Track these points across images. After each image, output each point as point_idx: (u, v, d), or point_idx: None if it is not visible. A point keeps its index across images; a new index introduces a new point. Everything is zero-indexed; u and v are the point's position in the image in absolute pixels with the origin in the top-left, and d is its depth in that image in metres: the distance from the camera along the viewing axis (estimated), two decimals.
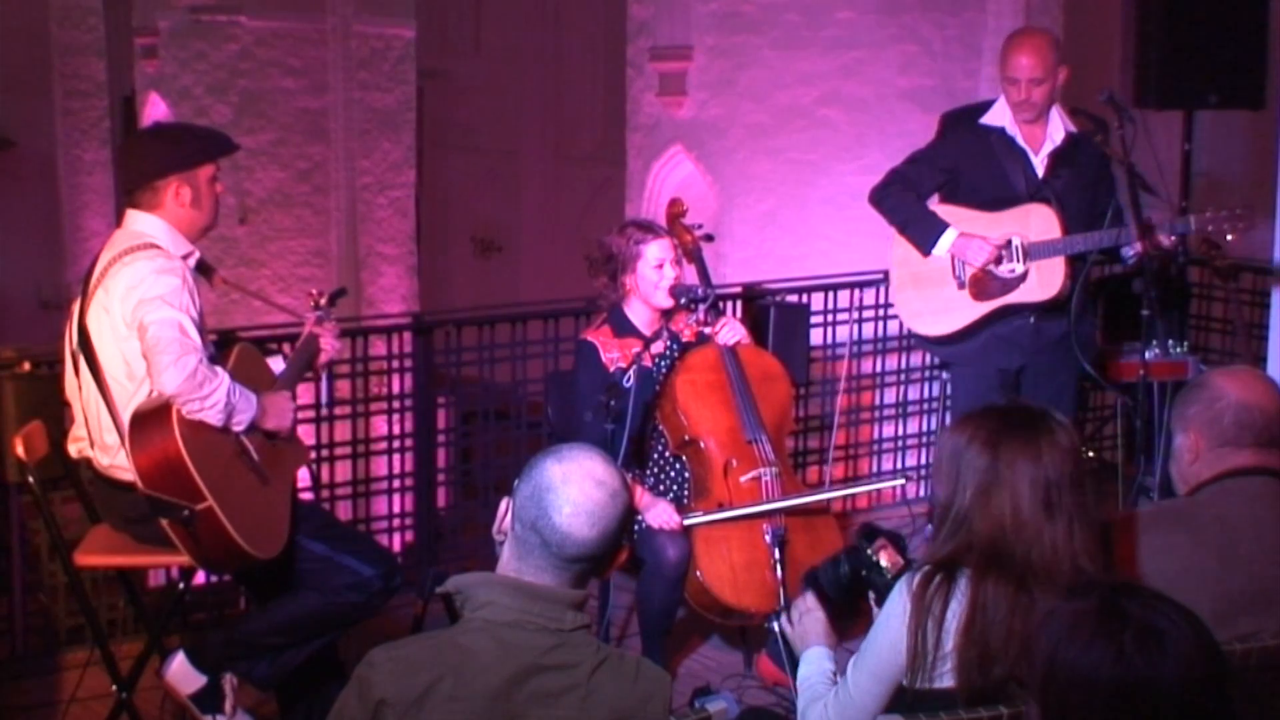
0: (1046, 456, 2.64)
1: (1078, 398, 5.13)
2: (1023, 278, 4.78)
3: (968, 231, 4.77)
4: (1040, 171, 4.80)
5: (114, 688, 4.00)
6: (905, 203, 4.89)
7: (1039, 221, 4.75)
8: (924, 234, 4.84)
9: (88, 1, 11.11)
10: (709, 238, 4.80)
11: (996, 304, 4.82)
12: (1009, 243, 4.76)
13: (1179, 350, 5.75)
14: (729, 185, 7.09)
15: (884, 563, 2.91)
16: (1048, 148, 4.81)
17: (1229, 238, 4.72)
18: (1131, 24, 7.06)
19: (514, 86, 12.52)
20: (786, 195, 7.14)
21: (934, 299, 4.90)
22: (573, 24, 12.25)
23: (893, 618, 2.69)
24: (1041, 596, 2.58)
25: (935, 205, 4.94)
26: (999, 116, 4.85)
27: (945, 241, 4.80)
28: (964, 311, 4.87)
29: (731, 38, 7.05)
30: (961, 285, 4.85)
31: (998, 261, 4.76)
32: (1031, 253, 4.75)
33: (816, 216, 7.16)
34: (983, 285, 4.81)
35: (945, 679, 2.62)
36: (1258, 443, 2.91)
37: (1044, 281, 4.75)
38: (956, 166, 4.91)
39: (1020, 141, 4.81)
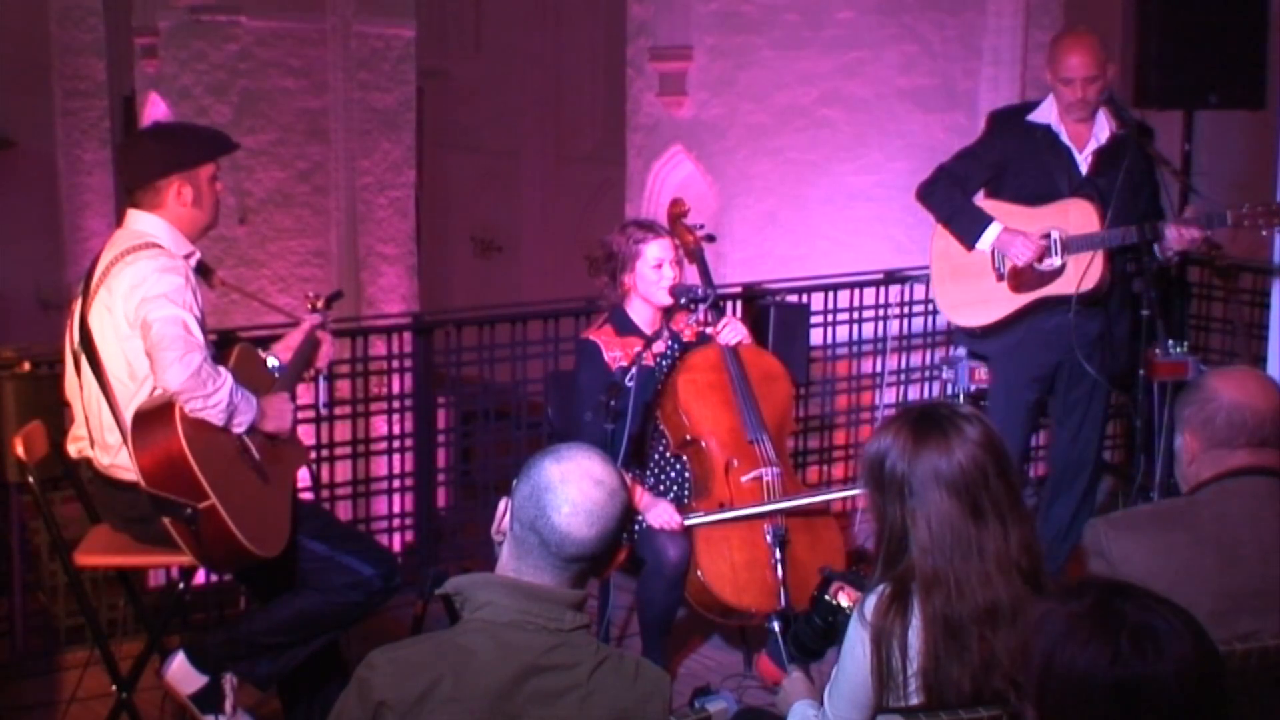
0: (960, 454, 2.60)
1: (1109, 398, 5.15)
2: (1060, 271, 4.82)
3: (1012, 228, 4.81)
4: (1084, 169, 4.85)
5: (114, 688, 4.00)
6: (950, 197, 4.95)
7: (1078, 216, 4.80)
8: (968, 228, 4.89)
9: (88, 1, 11.10)
10: (711, 238, 4.81)
11: (1034, 296, 4.87)
12: (1048, 235, 4.80)
13: (1179, 350, 5.75)
14: (729, 185, 7.09)
15: (844, 603, 2.93)
16: (1092, 145, 4.85)
17: (1264, 233, 4.74)
18: (1131, 24, 7.05)
19: (514, 86, 12.51)
20: (786, 195, 7.14)
21: (973, 291, 4.95)
22: (573, 24, 12.25)
23: (855, 645, 2.66)
24: (989, 607, 2.56)
25: (979, 200, 4.99)
26: (1045, 114, 4.90)
27: (989, 236, 4.84)
28: (1002, 303, 4.92)
29: (731, 38, 7.05)
30: (1001, 277, 4.89)
31: (1039, 256, 4.79)
32: (1070, 246, 4.79)
33: (816, 216, 7.16)
34: (1022, 277, 4.86)
35: (916, 696, 2.60)
36: (1251, 443, 2.91)
37: (1082, 275, 4.78)
38: (1002, 162, 4.96)
39: (1065, 139, 4.85)
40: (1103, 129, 4.85)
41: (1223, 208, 4.80)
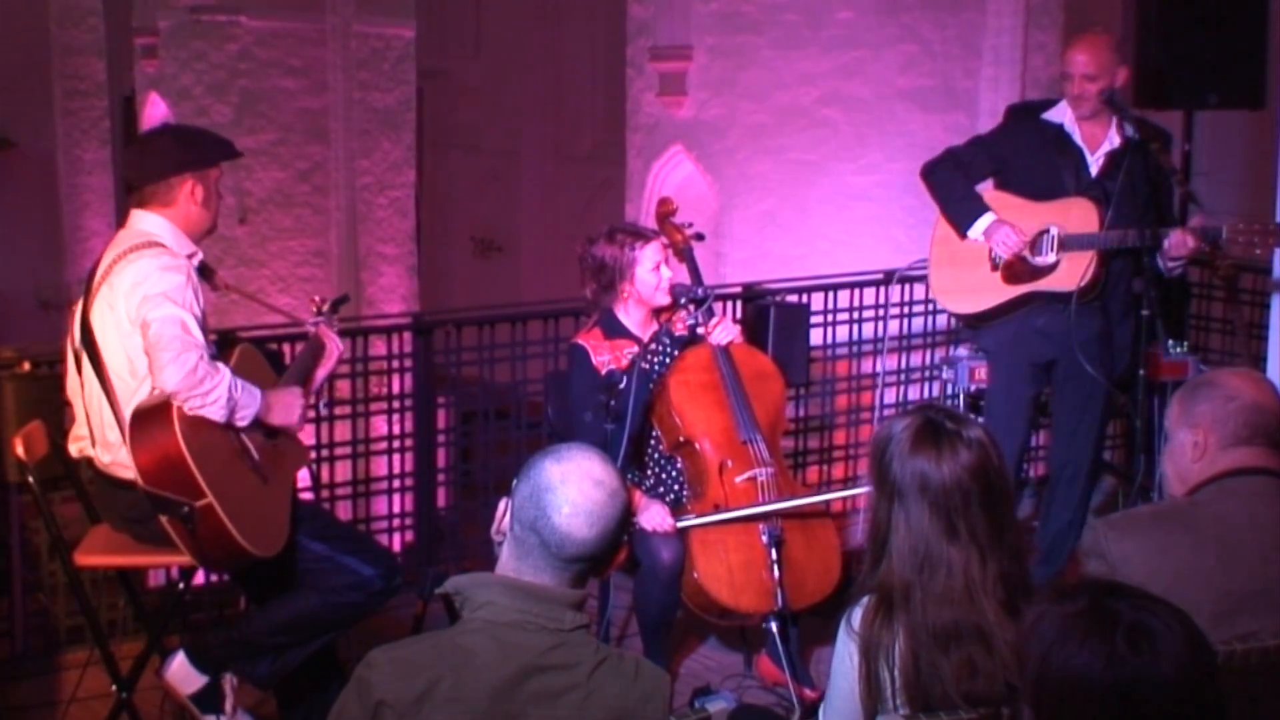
0: (945, 471, 2.58)
1: (1110, 400, 5.13)
2: (1054, 267, 4.83)
3: (1003, 219, 4.81)
4: (1094, 171, 4.85)
5: (114, 688, 4.01)
6: (952, 181, 4.96)
7: (1079, 214, 4.81)
8: (963, 215, 4.90)
9: (88, 1, 11.09)
10: (699, 236, 4.79)
11: (1022, 290, 4.88)
12: (1046, 232, 4.81)
13: (1179, 350, 5.75)
14: (729, 185, 7.09)
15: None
16: (1105, 148, 4.85)
17: (1258, 251, 4.72)
18: (1131, 24, 7.05)
19: (514, 86, 12.51)
20: (786, 195, 7.14)
21: (966, 278, 4.97)
22: (573, 24, 12.24)
23: (845, 658, 2.64)
24: (948, 626, 2.55)
25: (987, 191, 5.00)
26: (1059, 114, 4.91)
27: (981, 224, 4.85)
28: (992, 293, 4.93)
29: (731, 38, 7.05)
30: (995, 268, 4.91)
31: (1033, 250, 4.81)
32: (1067, 243, 4.80)
33: (816, 216, 7.16)
34: (1014, 270, 4.88)
35: (903, 709, 2.58)
36: (1268, 443, 2.91)
37: (1072, 272, 4.80)
38: (1009, 156, 4.97)
39: (1077, 139, 4.86)
40: (1117, 132, 4.84)
41: (1219, 223, 4.78)
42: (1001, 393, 5.03)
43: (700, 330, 4.57)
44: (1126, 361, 4.96)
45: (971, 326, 5.17)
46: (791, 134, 7.12)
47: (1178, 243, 4.70)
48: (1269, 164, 5.11)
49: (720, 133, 7.10)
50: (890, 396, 6.47)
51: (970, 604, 2.56)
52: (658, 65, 7.27)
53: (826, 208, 7.17)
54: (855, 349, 6.36)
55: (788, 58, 7.08)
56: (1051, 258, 4.83)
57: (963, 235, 4.91)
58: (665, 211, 4.77)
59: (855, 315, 6.31)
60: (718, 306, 5.20)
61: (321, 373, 4.16)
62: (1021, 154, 4.94)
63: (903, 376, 6.49)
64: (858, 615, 2.64)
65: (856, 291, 6.32)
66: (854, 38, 7.14)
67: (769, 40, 7.07)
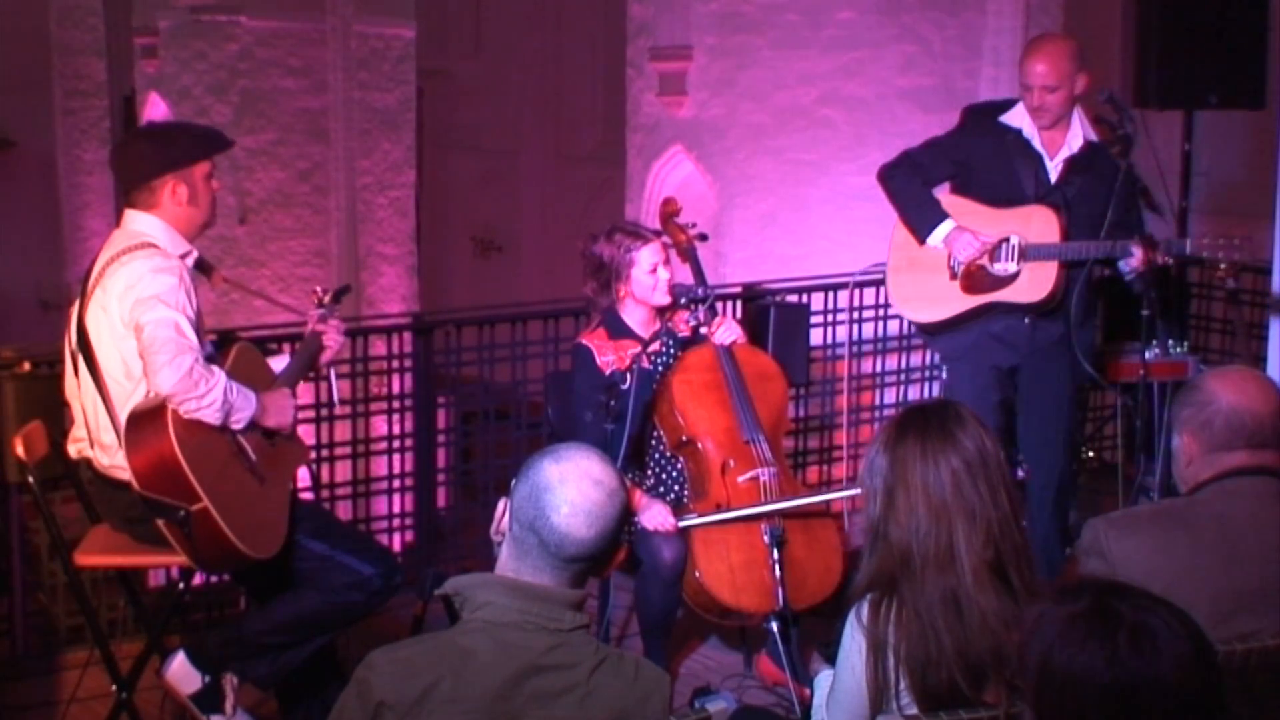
0: (939, 456, 2.61)
1: (1076, 400, 5.10)
2: (1014, 277, 4.77)
3: (964, 226, 4.77)
4: (1054, 176, 4.78)
5: (114, 688, 4.01)
6: (910, 186, 4.87)
7: (1040, 223, 4.73)
8: (922, 221, 4.83)
9: (88, 1, 11.10)
10: (703, 236, 4.79)
11: (983, 300, 4.81)
12: (1006, 240, 4.75)
13: (1179, 350, 5.75)
14: (729, 185, 7.09)
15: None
16: (1064, 153, 4.78)
17: (1222, 266, 4.72)
18: (1131, 24, 7.07)
19: (514, 86, 12.51)
20: (786, 195, 7.14)
21: (926, 285, 4.89)
22: (573, 24, 12.24)
23: (852, 654, 2.65)
24: (948, 592, 2.56)
25: (945, 195, 4.93)
26: (1018, 117, 4.82)
27: (940, 232, 4.79)
28: (952, 302, 4.86)
29: (731, 38, 7.05)
30: (954, 276, 4.84)
31: (992, 259, 4.76)
32: (1028, 253, 4.74)
33: (816, 216, 7.16)
34: (974, 279, 4.81)
35: (909, 707, 2.59)
36: (1250, 445, 2.90)
37: (1034, 283, 4.73)
38: (968, 160, 4.89)
39: (1037, 144, 4.78)
40: (1076, 136, 4.78)
41: (1181, 240, 4.77)
42: (968, 400, 4.93)
43: (703, 330, 4.57)
44: (1091, 364, 4.93)
45: (928, 333, 5.08)
46: (791, 134, 7.12)
47: (1141, 259, 4.63)
48: (1269, 164, 5.10)
49: (720, 133, 7.11)
50: (890, 396, 6.47)
51: (970, 570, 2.57)
52: (658, 65, 7.27)
53: (826, 208, 7.17)
54: (855, 349, 6.36)
55: (788, 58, 7.09)
56: (1012, 267, 4.75)
57: (921, 242, 4.85)
58: (669, 211, 4.77)
59: (855, 315, 6.31)
60: (719, 306, 5.20)
61: (325, 357, 4.14)
62: (980, 158, 4.85)
63: (903, 376, 6.50)
64: (866, 609, 2.64)
65: (856, 291, 6.32)
66: (854, 38, 7.14)
67: (769, 40, 7.07)
